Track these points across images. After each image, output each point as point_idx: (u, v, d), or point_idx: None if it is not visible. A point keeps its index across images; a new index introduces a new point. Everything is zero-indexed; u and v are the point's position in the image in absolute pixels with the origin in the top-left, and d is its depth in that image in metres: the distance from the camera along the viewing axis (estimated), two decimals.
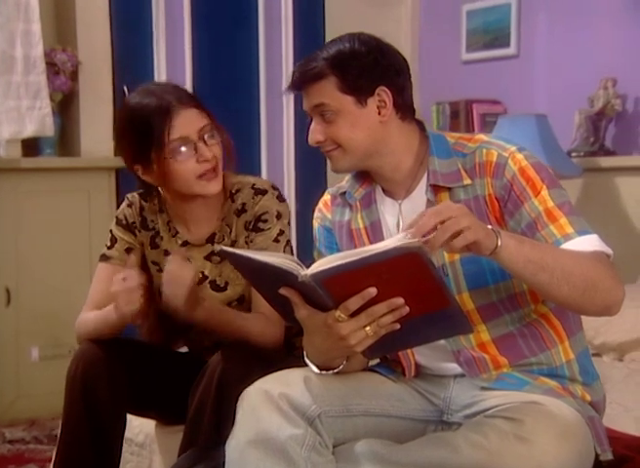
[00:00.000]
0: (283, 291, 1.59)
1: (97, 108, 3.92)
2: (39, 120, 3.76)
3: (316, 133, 1.82)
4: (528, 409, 1.63)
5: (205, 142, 2.03)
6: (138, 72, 4.05)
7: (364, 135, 1.81)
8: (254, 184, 2.12)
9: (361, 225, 1.91)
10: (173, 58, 4.10)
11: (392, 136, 1.83)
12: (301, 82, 1.81)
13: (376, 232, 1.88)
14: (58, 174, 3.85)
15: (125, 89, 3.97)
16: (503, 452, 1.55)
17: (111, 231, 2.20)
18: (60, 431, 2.06)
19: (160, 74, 4.07)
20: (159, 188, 2.14)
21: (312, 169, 4.29)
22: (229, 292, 2.11)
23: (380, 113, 1.81)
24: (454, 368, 1.80)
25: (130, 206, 2.21)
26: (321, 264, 1.54)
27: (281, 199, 2.12)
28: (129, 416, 2.12)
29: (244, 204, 2.10)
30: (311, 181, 4.17)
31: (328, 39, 4.32)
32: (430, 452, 1.58)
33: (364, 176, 1.91)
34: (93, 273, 3.85)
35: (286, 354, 2.08)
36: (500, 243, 1.58)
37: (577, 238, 1.69)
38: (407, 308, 1.54)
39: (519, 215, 1.73)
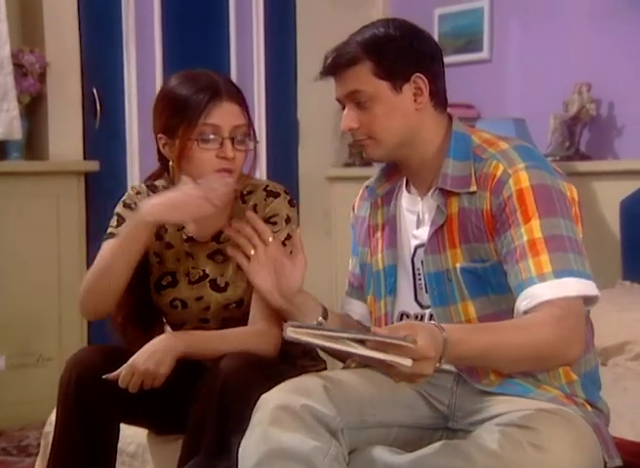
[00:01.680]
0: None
1: (65, 111, 3.85)
2: (6, 123, 3.66)
3: (349, 119, 1.79)
4: (541, 417, 1.61)
5: (233, 142, 2.00)
6: (107, 74, 3.98)
7: (399, 122, 1.78)
8: (267, 186, 2.10)
9: (379, 221, 1.91)
10: (143, 60, 4.03)
11: (426, 126, 1.81)
12: (335, 67, 1.79)
13: (390, 228, 1.88)
14: (25, 178, 3.75)
15: (94, 91, 3.91)
16: (519, 461, 1.53)
17: (118, 213, 2.15)
18: (52, 439, 2.01)
19: (130, 76, 4.00)
20: (171, 174, 2.09)
21: (284, 173, 4.26)
22: (229, 293, 2.07)
23: (415, 100, 1.78)
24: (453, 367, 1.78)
25: (138, 194, 2.16)
26: None
27: (292, 204, 2.09)
28: (121, 426, 2.05)
29: (255, 205, 2.08)
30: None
31: (299, 42, 4.42)
32: (445, 462, 1.56)
33: (393, 170, 1.90)
34: (62, 280, 3.83)
35: (281, 361, 2.05)
36: (440, 366, 1.52)
37: (551, 280, 1.62)
38: None
39: (504, 239, 1.70)
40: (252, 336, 1.98)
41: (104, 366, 1.95)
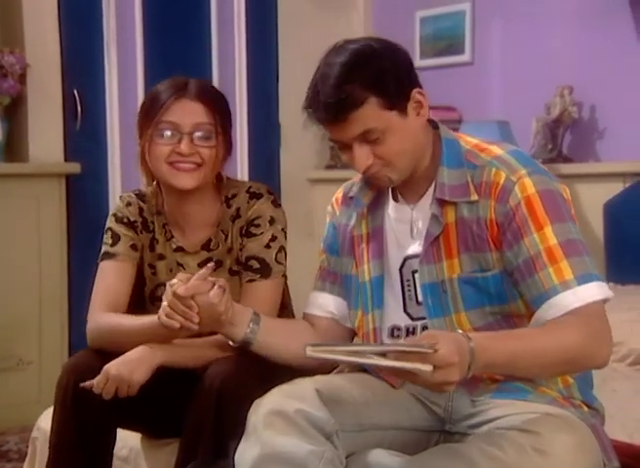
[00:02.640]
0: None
1: (46, 112, 3.80)
2: None
3: (364, 158, 1.72)
4: (543, 420, 1.61)
5: (192, 139, 1.98)
6: (88, 75, 3.94)
7: (411, 143, 1.74)
8: (249, 188, 2.08)
9: (364, 231, 1.87)
10: (124, 61, 4.00)
11: (424, 136, 1.79)
12: (339, 113, 1.67)
13: (376, 238, 1.85)
14: (5, 180, 3.70)
15: (75, 92, 3.88)
16: (522, 465, 1.53)
17: (111, 229, 2.12)
18: (49, 444, 1.99)
19: (112, 77, 3.97)
20: (159, 185, 2.09)
21: (266, 176, 4.24)
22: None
23: (418, 114, 1.75)
24: None
25: (129, 205, 2.13)
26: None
27: (276, 204, 2.07)
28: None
29: (238, 209, 2.06)
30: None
31: (281, 44, 4.40)
32: (446, 466, 1.55)
33: None
34: (43, 283, 3.79)
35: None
36: (469, 375, 1.51)
37: (575, 287, 1.63)
38: None
39: (517, 249, 1.68)
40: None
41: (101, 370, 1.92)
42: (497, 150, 1.75)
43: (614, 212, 3.33)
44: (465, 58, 4.16)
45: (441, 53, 4.24)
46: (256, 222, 2.03)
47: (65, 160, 3.87)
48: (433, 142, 1.80)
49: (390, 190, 1.85)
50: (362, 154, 1.71)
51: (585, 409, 1.76)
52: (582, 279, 1.63)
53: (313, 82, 1.74)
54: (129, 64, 4.02)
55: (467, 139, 1.81)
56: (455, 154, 1.77)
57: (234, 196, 2.07)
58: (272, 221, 2.04)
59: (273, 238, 2.03)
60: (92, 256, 3.87)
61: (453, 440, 1.73)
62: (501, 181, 1.69)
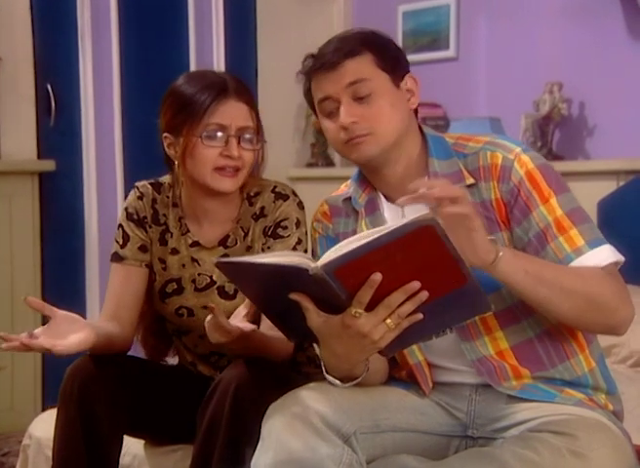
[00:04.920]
0: (294, 296, 1.48)
1: (18, 108, 3.67)
2: None
3: (349, 113, 1.70)
4: (576, 422, 1.57)
5: (239, 142, 1.92)
6: (62, 70, 3.81)
7: (399, 118, 1.73)
8: (275, 187, 2.02)
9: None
10: (99, 55, 3.86)
11: (412, 129, 1.78)
12: (334, 58, 1.70)
13: None
14: None
15: (49, 87, 3.75)
16: None
17: (122, 226, 2.05)
18: (52, 453, 1.91)
19: (86, 72, 3.83)
20: (176, 174, 2.03)
21: None
22: (238, 300, 1.97)
23: (409, 100, 1.75)
24: (471, 378, 1.72)
25: (140, 198, 2.06)
26: (330, 255, 1.42)
27: (301, 206, 2.02)
28: None
29: (263, 208, 2.00)
30: None
31: (260, 39, 4.30)
32: None
33: (366, 182, 1.83)
34: (15, 284, 3.67)
35: (290, 369, 1.99)
36: (500, 253, 1.51)
37: (588, 252, 1.64)
38: (425, 293, 1.45)
39: (527, 224, 1.67)
40: (285, 341, 1.86)
41: (108, 376, 1.86)
42: (484, 138, 1.77)
43: (608, 210, 3.26)
44: (450, 53, 4.08)
45: (424, 48, 4.16)
46: (283, 224, 1.99)
47: (39, 157, 3.75)
48: (421, 142, 1.80)
49: (381, 193, 1.81)
50: (349, 109, 1.70)
51: (610, 407, 1.73)
52: (594, 243, 1.64)
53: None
54: (104, 58, 3.89)
55: (450, 135, 1.82)
56: (442, 147, 1.77)
57: (257, 194, 2.02)
58: (299, 224, 2.00)
59: (299, 241, 1.99)
60: (66, 256, 3.79)
61: (477, 445, 1.69)
62: (499, 162, 1.70)
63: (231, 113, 1.91)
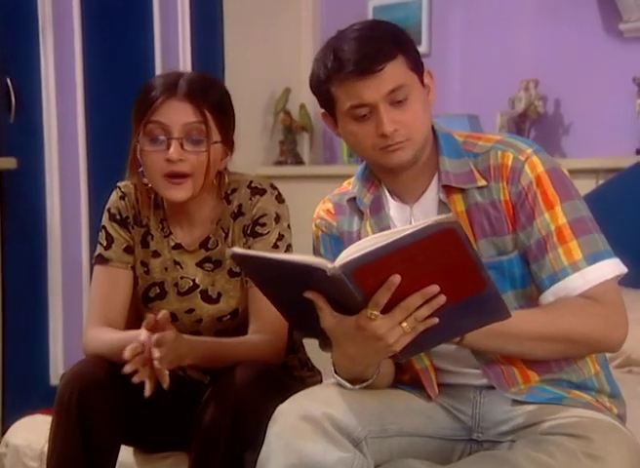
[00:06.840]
0: (309, 294, 1.43)
1: None
2: None
3: (392, 121, 1.62)
4: (589, 425, 1.54)
5: (182, 143, 1.83)
6: (22, 64, 3.63)
7: (429, 119, 1.70)
8: (251, 182, 1.94)
9: (370, 233, 1.75)
10: (61, 49, 3.70)
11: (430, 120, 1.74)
12: (376, 63, 1.60)
13: None
14: None
15: (8, 82, 3.60)
16: None
17: (105, 228, 1.98)
18: (48, 459, 1.85)
19: (48, 65, 3.65)
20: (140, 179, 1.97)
21: None
22: (222, 304, 1.92)
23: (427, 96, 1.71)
24: (475, 379, 1.70)
25: (123, 198, 1.99)
26: (349, 254, 1.37)
27: (280, 199, 1.95)
28: None
29: (240, 205, 1.93)
30: None
31: (227, 35, 4.19)
32: None
33: (371, 180, 1.77)
34: None
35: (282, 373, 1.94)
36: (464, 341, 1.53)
37: (584, 268, 1.61)
38: (443, 297, 1.40)
39: (530, 229, 1.65)
40: (263, 346, 1.85)
41: (106, 382, 1.80)
42: (494, 136, 1.74)
43: (592, 208, 3.21)
44: (422, 49, 3.99)
45: None
46: (261, 221, 1.92)
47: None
48: (432, 138, 1.75)
49: (387, 191, 1.77)
50: (390, 116, 1.63)
51: (615, 410, 1.70)
52: (592, 258, 1.61)
53: (328, 53, 1.65)
54: (66, 52, 3.72)
55: (459, 133, 1.78)
56: (453, 146, 1.73)
57: (234, 191, 1.95)
58: (278, 219, 1.93)
59: (280, 237, 1.93)
60: (27, 258, 3.64)
61: (482, 449, 1.67)
62: (510, 163, 1.67)
63: (174, 113, 1.85)
